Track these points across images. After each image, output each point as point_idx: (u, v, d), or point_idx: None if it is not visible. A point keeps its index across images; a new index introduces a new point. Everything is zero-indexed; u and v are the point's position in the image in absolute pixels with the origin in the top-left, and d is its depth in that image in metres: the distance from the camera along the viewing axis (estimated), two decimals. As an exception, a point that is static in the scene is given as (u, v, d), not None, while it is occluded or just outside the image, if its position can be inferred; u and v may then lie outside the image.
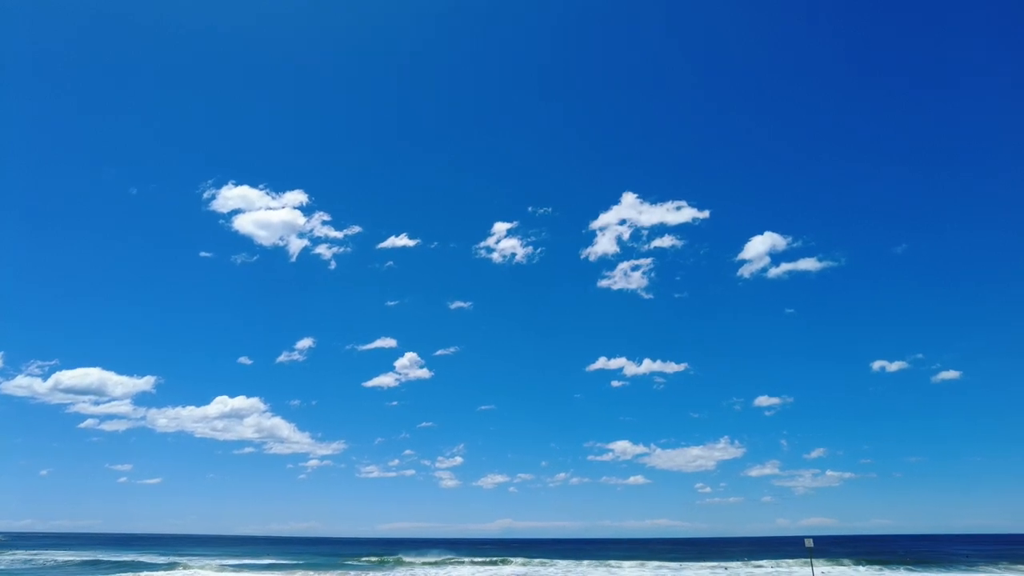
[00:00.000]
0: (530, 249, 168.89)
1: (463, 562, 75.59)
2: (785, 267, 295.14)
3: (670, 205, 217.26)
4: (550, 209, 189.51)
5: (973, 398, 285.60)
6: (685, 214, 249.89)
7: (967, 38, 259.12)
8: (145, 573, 58.69)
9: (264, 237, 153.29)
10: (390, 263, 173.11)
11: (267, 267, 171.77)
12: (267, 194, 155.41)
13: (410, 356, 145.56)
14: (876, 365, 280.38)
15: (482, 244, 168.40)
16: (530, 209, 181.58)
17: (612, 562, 72.23)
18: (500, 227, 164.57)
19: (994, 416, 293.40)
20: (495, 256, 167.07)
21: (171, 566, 64.65)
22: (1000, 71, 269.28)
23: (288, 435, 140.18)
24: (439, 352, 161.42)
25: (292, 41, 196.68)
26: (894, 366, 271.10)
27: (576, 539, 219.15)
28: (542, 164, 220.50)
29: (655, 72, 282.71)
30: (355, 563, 76.98)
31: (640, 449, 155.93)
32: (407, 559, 79.61)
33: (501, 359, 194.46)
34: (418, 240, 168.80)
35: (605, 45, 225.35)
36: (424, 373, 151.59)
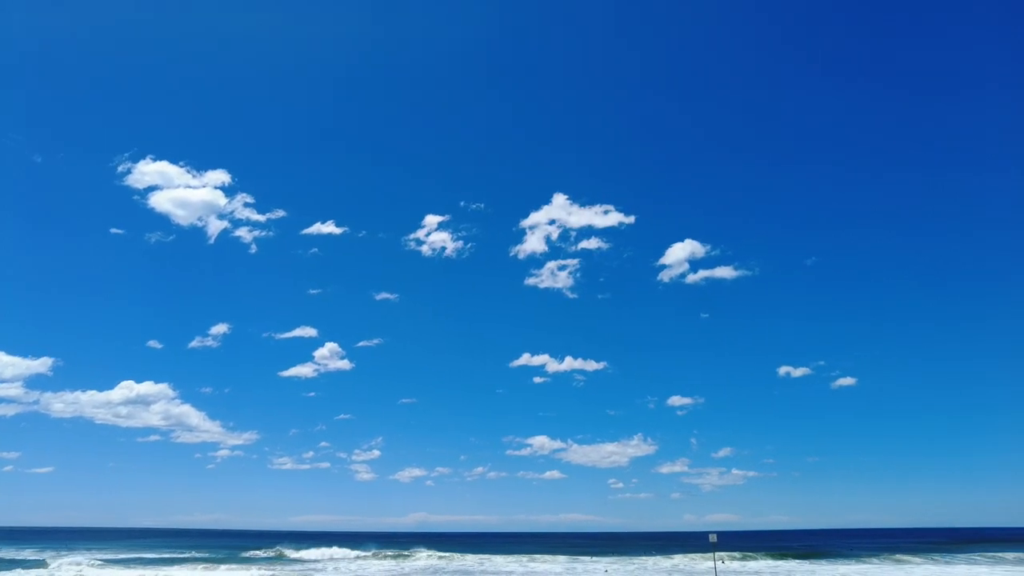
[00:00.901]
0: (460, 244, 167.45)
1: (367, 556, 73.73)
2: (703, 273, 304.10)
3: (599, 208, 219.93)
4: (482, 205, 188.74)
5: (866, 404, 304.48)
6: (612, 218, 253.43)
7: (893, 48, 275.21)
8: (3, 573, 53.61)
9: (182, 216, 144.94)
10: (314, 250, 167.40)
11: (183, 248, 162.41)
12: (187, 172, 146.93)
13: (331, 346, 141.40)
14: (782, 370, 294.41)
15: (412, 236, 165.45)
16: (462, 204, 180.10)
17: (524, 556, 72.22)
18: (431, 220, 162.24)
19: (884, 421, 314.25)
20: (424, 249, 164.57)
21: (38, 563, 59.34)
22: (915, 76, 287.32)
23: (198, 423, 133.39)
24: (362, 343, 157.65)
25: (224, 14, 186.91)
26: (798, 371, 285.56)
27: (490, 533, 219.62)
28: (477, 160, 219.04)
29: (593, 75, 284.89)
30: (256, 556, 73.84)
31: (558, 444, 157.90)
32: (294, 554, 76.71)
33: (425, 353, 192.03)
34: (345, 228, 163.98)
35: (544, 45, 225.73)
36: (344, 364, 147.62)
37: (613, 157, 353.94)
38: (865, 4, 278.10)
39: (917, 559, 66.70)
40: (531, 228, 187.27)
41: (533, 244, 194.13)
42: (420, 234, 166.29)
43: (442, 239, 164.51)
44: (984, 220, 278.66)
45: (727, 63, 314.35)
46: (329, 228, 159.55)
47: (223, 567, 59.35)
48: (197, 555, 72.86)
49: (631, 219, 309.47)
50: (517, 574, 56.14)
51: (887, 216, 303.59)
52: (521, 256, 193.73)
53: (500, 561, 68.11)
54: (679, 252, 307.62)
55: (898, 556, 69.56)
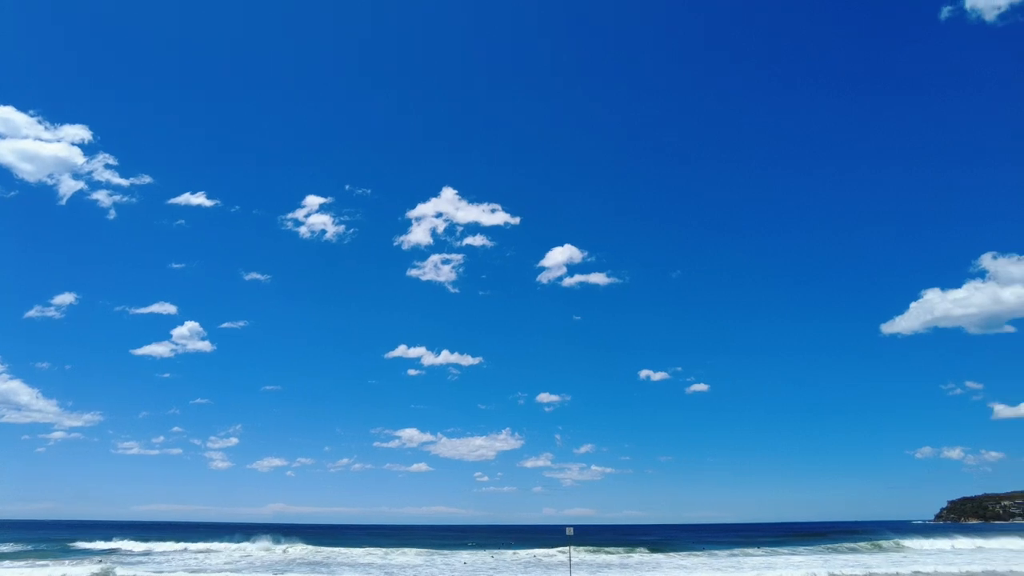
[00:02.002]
0: (342, 228, 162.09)
1: (215, 548, 69.91)
2: (578, 278, 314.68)
3: (486, 207, 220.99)
4: (369, 191, 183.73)
5: (716, 409, 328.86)
6: (499, 217, 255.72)
7: (765, 62, 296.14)
8: None
9: (29, 172, 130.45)
10: (181, 222, 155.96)
11: (28, 207, 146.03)
12: (40, 123, 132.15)
13: (191, 325, 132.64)
14: (643, 373, 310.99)
15: (290, 216, 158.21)
16: (348, 187, 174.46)
17: (383, 549, 71.39)
18: (312, 201, 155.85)
19: (732, 425, 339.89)
20: (303, 230, 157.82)
21: None
22: (785, 93, 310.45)
23: (28, 402, 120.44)
24: (226, 324, 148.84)
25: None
26: (657, 375, 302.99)
27: (352, 525, 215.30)
28: (368, 144, 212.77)
29: (493, 75, 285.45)
30: (90, 548, 67.78)
31: (427, 437, 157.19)
32: (134, 546, 71.59)
33: (295, 338, 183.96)
34: (217, 201, 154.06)
35: (447, 41, 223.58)
36: (205, 346, 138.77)
37: (505, 158, 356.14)
38: (736, 14, 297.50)
39: (759, 552, 72.54)
40: (418, 219, 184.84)
41: (418, 236, 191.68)
42: (299, 214, 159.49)
43: (323, 222, 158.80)
44: (832, 240, 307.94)
45: (619, 74, 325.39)
46: (199, 199, 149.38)
47: (48, 563, 53.69)
48: (18, 549, 65.78)
49: (516, 220, 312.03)
50: (375, 567, 55.39)
51: (748, 233, 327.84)
52: (405, 247, 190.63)
53: (358, 553, 66.96)
54: (558, 256, 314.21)
55: (742, 550, 75.47)
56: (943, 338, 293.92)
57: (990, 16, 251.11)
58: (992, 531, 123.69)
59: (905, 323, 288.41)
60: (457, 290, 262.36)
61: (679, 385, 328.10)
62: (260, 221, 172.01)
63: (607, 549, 71.51)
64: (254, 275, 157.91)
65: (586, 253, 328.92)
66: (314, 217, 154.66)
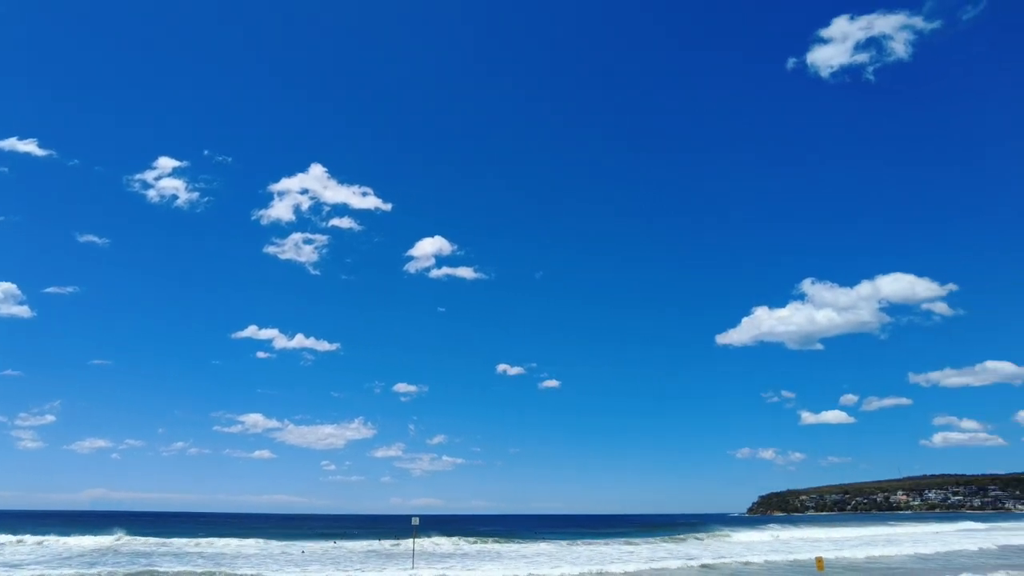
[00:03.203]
0: (196, 195, 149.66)
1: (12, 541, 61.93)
2: (446, 270, 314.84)
3: (357, 189, 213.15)
4: (230, 159, 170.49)
5: (566, 405, 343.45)
6: (370, 201, 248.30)
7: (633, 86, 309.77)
8: None
9: None
10: (4, 169, 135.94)
11: None
12: None
13: (6, 287, 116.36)
14: (500, 367, 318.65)
15: (138, 176, 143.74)
16: (206, 153, 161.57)
17: (216, 539, 67.04)
18: (166, 163, 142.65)
19: (580, 421, 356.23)
20: (151, 194, 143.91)
21: None
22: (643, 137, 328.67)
23: None
24: (51, 289, 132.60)
25: None
26: (514, 370, 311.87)
27: (184, 513, 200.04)
28: (232, 108, 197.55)
29: (379, 52, 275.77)
30: None
31: (273, 424, 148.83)
32: None
33: (132, 310, 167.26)
34: (52, 152, 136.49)
35: (333, 8, 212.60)
36: (22, 311, 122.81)
37: (383, 141, 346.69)
38: (575, 20, 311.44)
39: (599, 542, 76.22)
40: (281, 194, 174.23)
41: (280, 211, 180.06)
42: (148, 176, 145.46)
43: (175, 187, 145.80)
44: (677, 249, 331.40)
45: (510, 70, 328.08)
46: (29, 147, 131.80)
47: None
48: None
49: (388, 206, 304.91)
50: (204, 556, 51.82)
51: (607, 246, 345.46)
52: (265, 222, 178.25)
53: (185, 543, 62.28)
54: (427, 247, 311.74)
55: (583, 541, 78.97)
56: (767, 351, 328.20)
57: (824, 73, 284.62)
58: (791, 522, 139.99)
59: (737, 336, 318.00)
60: (318, 272, 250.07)
61: (533, 380, 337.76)
62: (102, 179, 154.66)
63: (451, 539, 72.10)
64: (90, 237, 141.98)
65: (456, 247, 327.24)
66: (166, 181, 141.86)
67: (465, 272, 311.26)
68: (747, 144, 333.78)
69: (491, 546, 68.62)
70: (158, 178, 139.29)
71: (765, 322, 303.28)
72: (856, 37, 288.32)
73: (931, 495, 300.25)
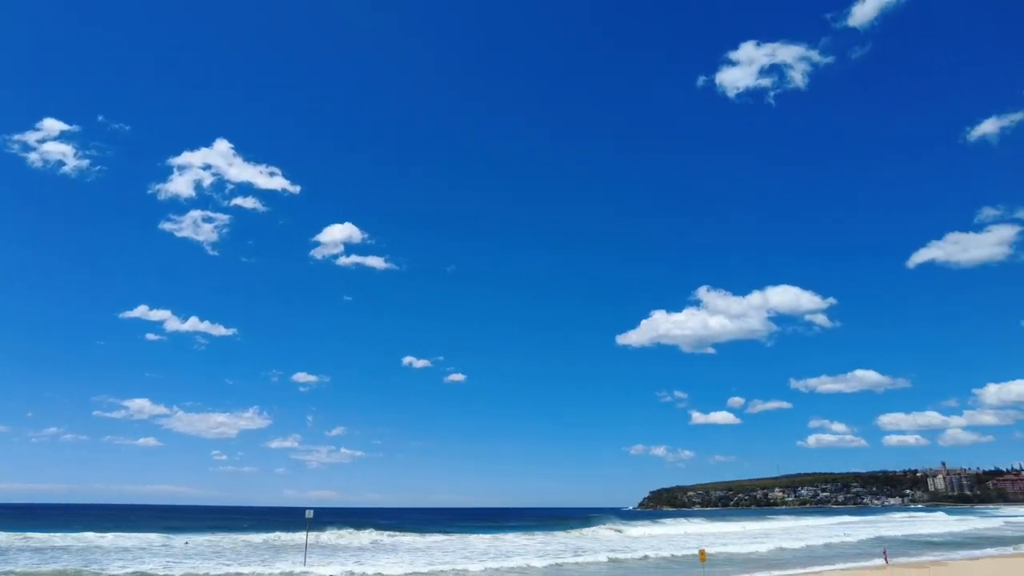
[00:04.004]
0: (86, 163, 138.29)
1: None
2: (355, 259, 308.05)
3: (264, 168, 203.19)
4: (128, 127, 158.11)
5: (471, 399, 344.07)
6: (277, 182, 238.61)
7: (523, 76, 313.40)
8: None
9: None
10: None
11: None
12: None
13: None
14: (406, 360, 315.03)
15: (18, 137, 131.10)
16: (101, 119, 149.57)
17: (85, 533, 62.44)
18: (52, 125, 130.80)
19: (483, 415, 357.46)
20: (33, 158, 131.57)
21: None
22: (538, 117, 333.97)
23: None
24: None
25: None
26: (420, 363, 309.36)
27: (55, 505, 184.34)
28: (133, 74, 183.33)
29: (300, 28, 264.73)
30: None
31: (161, 410, 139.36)
32: None
33: (2, 282, 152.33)
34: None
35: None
36: None
37: (295, 120, 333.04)
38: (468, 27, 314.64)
39: (497, 535, 76.80)
40: (181, 169, 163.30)
41: (179, 187, 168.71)
42: (31, 138, 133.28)
43: (62, 152, 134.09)
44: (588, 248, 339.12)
45: (424, 68, 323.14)
46: None
47: None
48: None
49: (296, 189, 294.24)
50: (72, 551, 48.10)
51: (516, 244, 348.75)
52: (162, 196, 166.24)
53: (45, 538, 57.54)
54: (337, 233, 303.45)
55: (478, 535, 79.46)
56: (663, 353, 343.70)
57: (731, 93, 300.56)
58: (679, 516, 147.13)
59: (635, 337, 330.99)
60: (217, 253, 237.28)
61: (439, 374, 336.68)
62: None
63: (346, 532, 70.70)
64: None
65: (367, 235, 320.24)
66: (51, 145, 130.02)
67: (375, 261, 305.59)
68: (655, 155, 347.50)
69: (387, 539, 67.88)
70: (42, 141, 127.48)
71: (662, 325, 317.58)
72: (761, 62, 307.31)
73: (803, 492, 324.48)
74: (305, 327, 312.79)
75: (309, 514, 47.14)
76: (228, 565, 40.93)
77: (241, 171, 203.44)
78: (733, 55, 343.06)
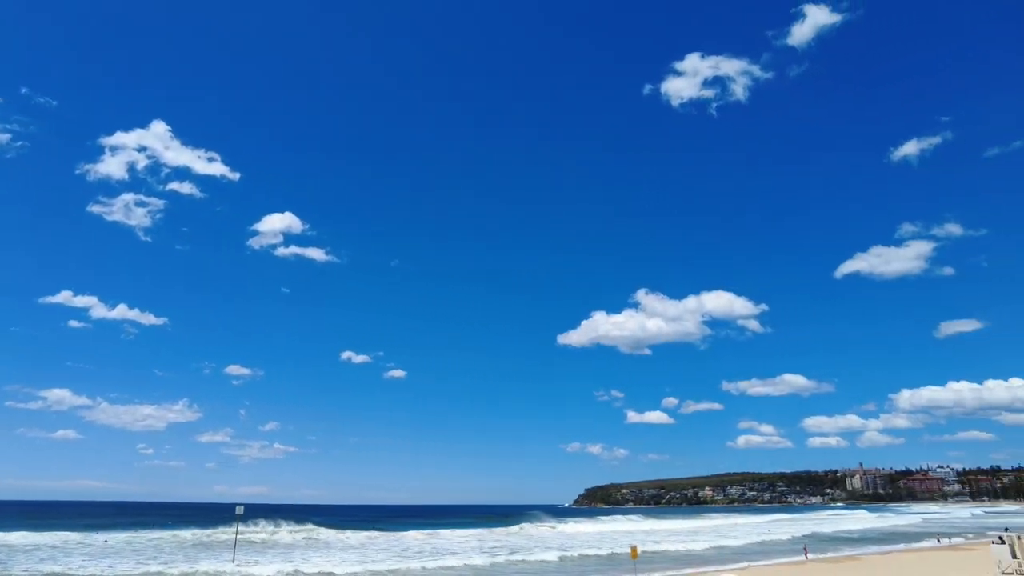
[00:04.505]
0: (7, 138, 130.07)
1: None
2: (294, 249, 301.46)
3: (203, 153, 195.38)
4: (55, 102, 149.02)
5: (411, 395, 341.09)
6: (216, 168, 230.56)
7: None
8: None
9: None
10: None
11: None
12: None
13: None
14: (345, 355, 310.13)
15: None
16: (25, 91, 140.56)
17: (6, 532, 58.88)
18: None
19: (423, 412, 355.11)
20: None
21: None
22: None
23: None
24: None
25: None
26: (359, 358, 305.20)
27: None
28: (64, 46, 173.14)
29: (248, 11, 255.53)
30: None
31: (83, 401, 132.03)
32: None
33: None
34: None
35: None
36: None
37: (237, 105, 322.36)
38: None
39: (432, 531, 76.22)
40: (114, 149, 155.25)
41: (112, 168, 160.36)
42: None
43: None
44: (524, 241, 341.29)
45: (374, 62, 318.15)
46: None
47: None
48: None
49: (236, 176, 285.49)
50: (-23, 550, 45.18)
51: (461, 242, 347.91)
52: (92, 177, 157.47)
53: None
54: (276, 222, 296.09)
55: (417, 531, 78.74)
56: (602, 353, 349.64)
57: (675, 102, 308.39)
58: (616, 512, 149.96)
59: (576, 337, 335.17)
60: (150, 239, 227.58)
61: (379, 369, 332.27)
62: None
63: (278, 529, 68.96)
64: None
65: (307, 226, 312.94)
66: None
67: (315, 253, 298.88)
68: (602, 159, 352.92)
69: (320, 536, 66.56)
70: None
71: (602, 326, 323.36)
72: (705, 74, 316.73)
73: (732, 491, 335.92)
74: (240, 318, 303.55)
75: (239, 510, 45.75)
76: (147, 564, 39.28)
77: (178, 155, 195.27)
78: (679, 65, 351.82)
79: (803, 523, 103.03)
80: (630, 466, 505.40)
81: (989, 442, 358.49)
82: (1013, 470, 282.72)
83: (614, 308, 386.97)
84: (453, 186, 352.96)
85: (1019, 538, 31.98)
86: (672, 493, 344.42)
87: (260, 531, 66.40)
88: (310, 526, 74.13)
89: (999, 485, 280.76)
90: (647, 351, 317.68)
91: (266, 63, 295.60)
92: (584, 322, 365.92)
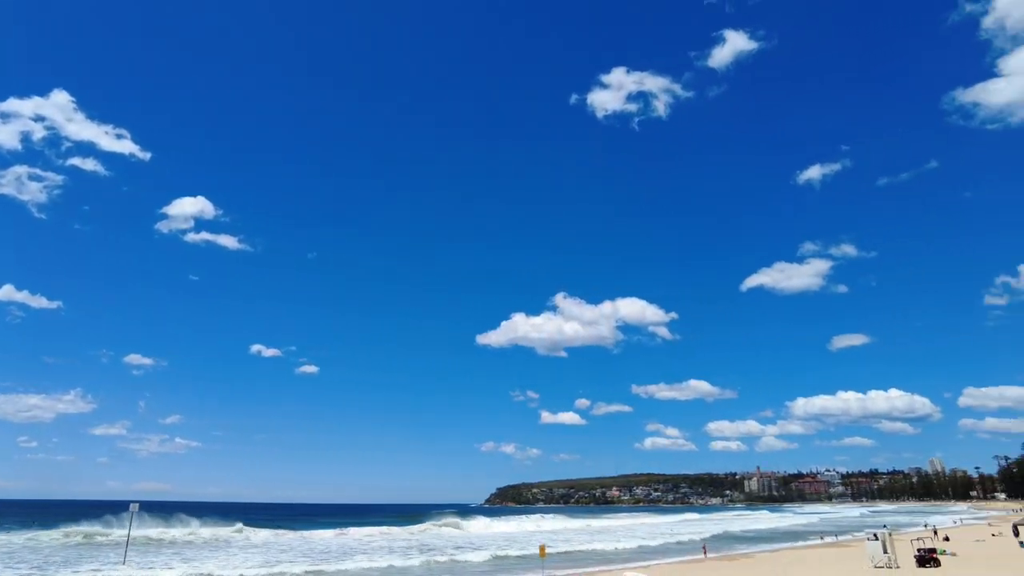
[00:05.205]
0: None
1: None
2: (206, 235, 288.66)
3: (110, 129, 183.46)
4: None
5: (324, 392, 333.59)
6: (124, 145, 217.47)
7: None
8: None
9: None
10: None
11: None
12: None
13: None
14: (255, 348, 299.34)
15: None
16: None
17: None
18: None
19: (336, 410, 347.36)
20: None
21: None
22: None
23: None
24: None
25: None
26: (270, 352, 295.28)
27: None
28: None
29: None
30: None
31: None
32: None
33: None
34: None
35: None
36: None
37: (150, 81, 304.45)
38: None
39: (340, 531, 74.43)
40: (6, 116, 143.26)
41: (3, 137, 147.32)
42: None
43: None
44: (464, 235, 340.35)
45: (299, 50, 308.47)
46: None
47: None
48: None
49: (147, 155, 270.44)
50: None
51: (381, 236, 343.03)
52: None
53: None
54: (188, 207, 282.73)
55: (323, 531, 76.74)
56: (519, 354, 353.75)
57: (600, 114, 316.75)
58: (530, 512, 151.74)
59: (495, 337, 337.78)
60: (44, 216, 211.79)
61: (290, 364, 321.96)
62: None
63: (176, 527, 65.62)
64: None
65: (221, 211, 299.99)
66: None
67: (228, 241, 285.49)
68: (526, 165, 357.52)
69: (221, 534, 63.81)
70: None
71: (521, 327, 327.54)
72: (629, 88, 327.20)
73: (638, 491, 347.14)
74: (143, 305, 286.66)
75: (134, 508, 43.20)
76: (16, 567, 36.50)
77: (82, 129, 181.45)
78: (605, 78, 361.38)
79: (716, 523, 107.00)
80: (542, 466, 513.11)
81: (870, 448, 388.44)
82: (888, 473, 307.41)
83: (534, 310, 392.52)
84: (376, 180, 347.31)
85: (889, 535, 35.04)
86: (581, 493, 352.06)
87: (157, 530, 62.85)
88: (212, 525, 70.89)
89: (876, 487, 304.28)
90: (563, 353, 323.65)
91: (186, 40, 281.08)
92: (504, 323, 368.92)
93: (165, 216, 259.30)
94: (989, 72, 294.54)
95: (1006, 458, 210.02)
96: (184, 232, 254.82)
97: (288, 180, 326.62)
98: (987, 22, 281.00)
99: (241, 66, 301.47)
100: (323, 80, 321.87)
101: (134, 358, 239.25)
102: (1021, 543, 44.36)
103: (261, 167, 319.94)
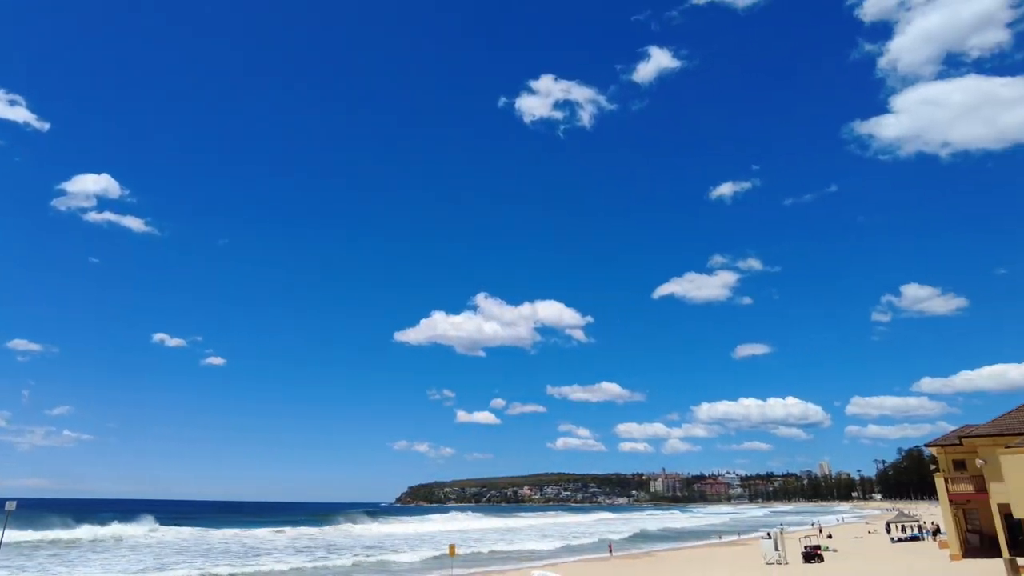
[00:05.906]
0: None
1: None
2: (108, 216, 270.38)
3: (4, 94, 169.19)
4: None
5: (231, 384, 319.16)
6: (19, 113, 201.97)
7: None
8: None
9: None
10: None
11: None
12: None
13: None
14: (157, 337, 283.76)
15: None
16: None
17: None
18: None
19: (243, 404, 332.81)
20: None
21: None
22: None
23: None
24: None
25: None
26: (174, 341, 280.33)
27: None
28: None
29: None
30: None
31: None
32: None
33: None
34: None
35: None
36: None
37: (51, 43, 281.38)
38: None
39: (242, 530, 71.51)
40: None
41: None
42: None
43: None
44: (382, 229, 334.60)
45: (218, 22, 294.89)
46: None
47: None
48: None
49: (44, 125, 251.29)
50: None
51: (303, 229, 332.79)
52: None
53: None
54: (89, 184, 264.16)
55: (224, 529, 73.43)
56: (437, 352, 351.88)
57: (527, 119, 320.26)
58: (442, 510, 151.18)
59: (414, 335, 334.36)
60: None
61: (195, 355, 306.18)
62: None
63: (58, 527, 60.93)
64: None
65: (127, 191, 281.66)
66: None
67: (133, 222, 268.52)
68: (452, 162, 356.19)
69: (109, 534, 59.70)
70: None
71: (440, 325, 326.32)
72: (556, 96, 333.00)
73: (549, 490, 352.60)
74: (33, 287, 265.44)
75: (11, 506, 39.61)
76: None
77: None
78: (534, 84, 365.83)
79: (633, 522, 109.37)
80: (456, 465, 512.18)
81: (767, 452, 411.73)
82: (782, 476, 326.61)
83: (454, 309, 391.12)
84: (295, 168, 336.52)
85: (781, 533, 37.26)
86: (493, 492, 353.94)
87: (35, 532, 58.02)
88: (100, 523, 66.25)
89: (772, 488, 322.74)
90: (481, 353, 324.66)
91: (95, 4, 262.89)
92: (423, 320, 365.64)
93: (64, 193, 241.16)
94: (883, 108, 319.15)
95: (883, 462, 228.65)
96: (84, 211, 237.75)
97: (201, 163, 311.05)
98: (882, 62, 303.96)
99: (155, 34, 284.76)
100: (242, 60, 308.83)
101: (19, 343, 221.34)
102: (892, 539, 48.37)
103: (173, 146, 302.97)
